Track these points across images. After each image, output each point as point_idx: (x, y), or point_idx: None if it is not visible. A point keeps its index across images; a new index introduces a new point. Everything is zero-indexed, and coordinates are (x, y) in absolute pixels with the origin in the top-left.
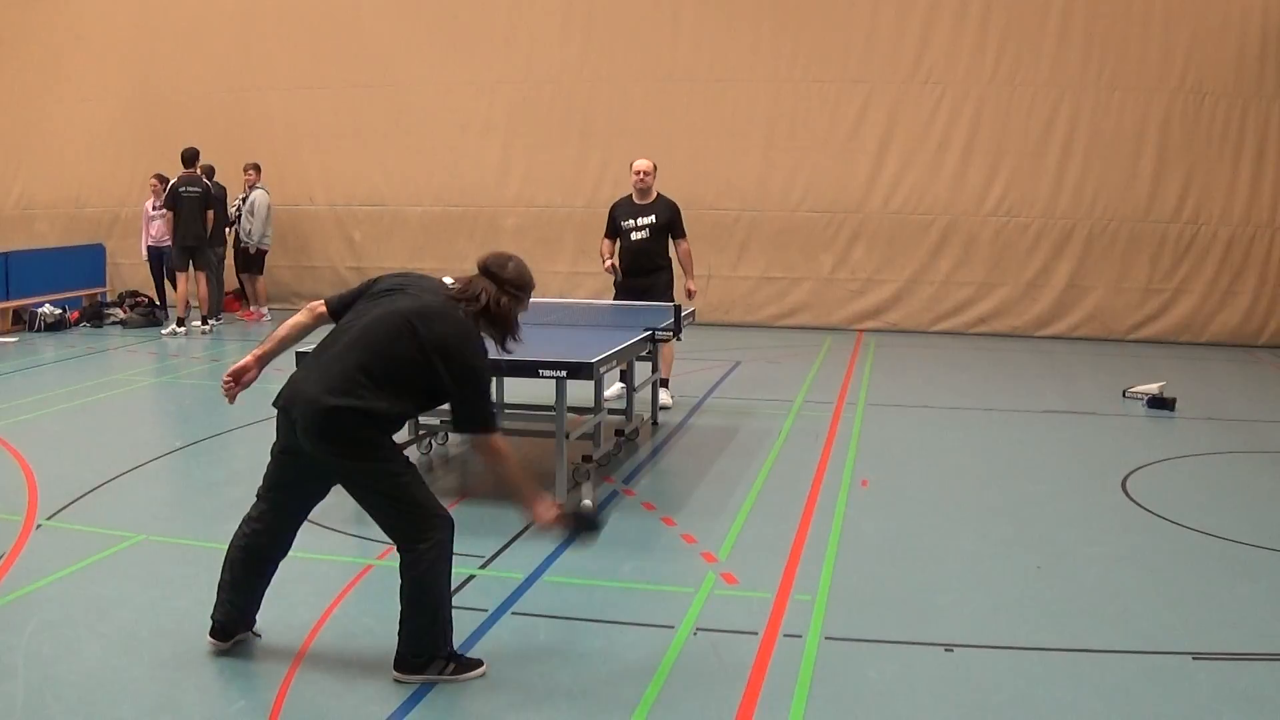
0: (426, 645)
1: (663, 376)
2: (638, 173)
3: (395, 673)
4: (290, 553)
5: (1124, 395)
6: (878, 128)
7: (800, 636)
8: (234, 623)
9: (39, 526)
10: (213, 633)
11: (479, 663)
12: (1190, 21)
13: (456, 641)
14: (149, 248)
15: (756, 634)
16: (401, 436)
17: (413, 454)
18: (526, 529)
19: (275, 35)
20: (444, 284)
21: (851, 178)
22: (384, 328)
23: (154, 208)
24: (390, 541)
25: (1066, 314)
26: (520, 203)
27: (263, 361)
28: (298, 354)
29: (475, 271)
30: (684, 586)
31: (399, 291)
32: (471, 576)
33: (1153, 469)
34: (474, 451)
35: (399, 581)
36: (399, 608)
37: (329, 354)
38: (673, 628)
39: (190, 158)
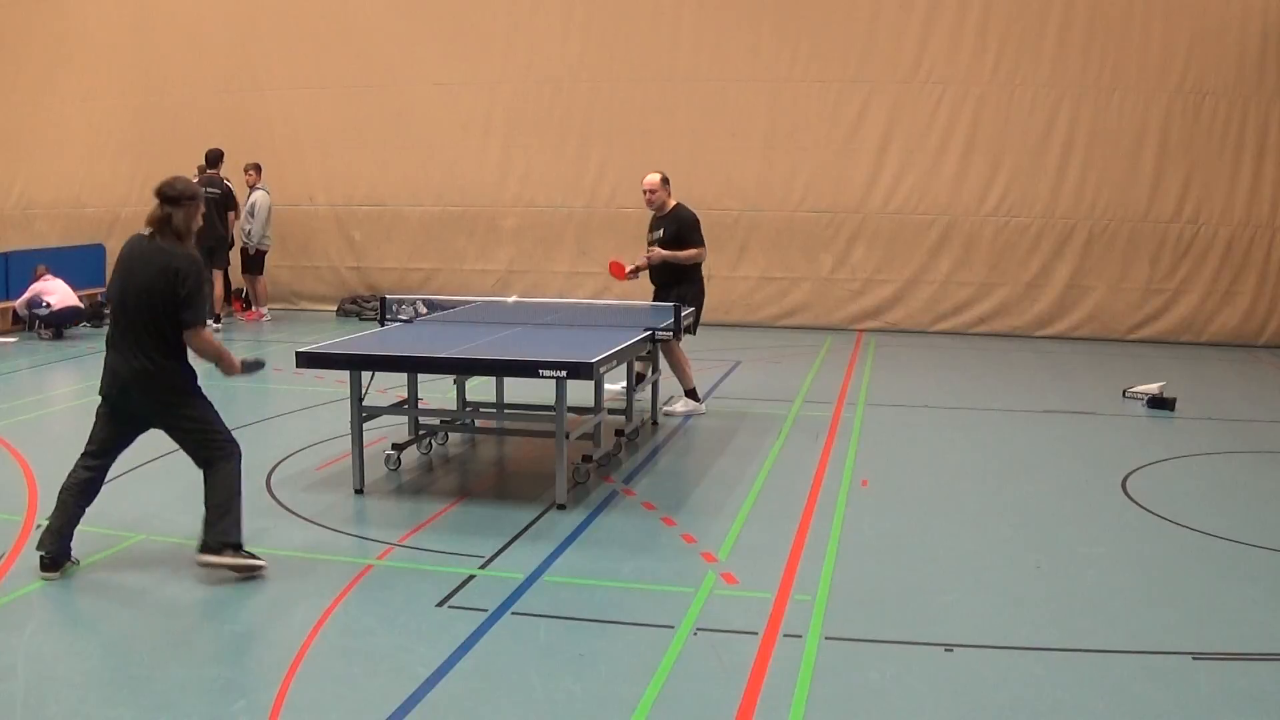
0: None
1: (687, 387)
2: (643, 190)
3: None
4: (290, 552)
5: (1124, 395)
6: (878, 128)
7: (800, 636)
8: (64, 554)
9: (39, 526)
10: (47, 567)
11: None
12: (1190, 21)
13: (455, 642)
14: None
15: (756, 634)
16: (401, 436)
17: (412, 454)
18: (526, 529)
19: (275, 35)
20: (142, 235)
21: (851, 178)
22: (147, 299)
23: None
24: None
25: (1066, 314)
26: (520, 203)
27: None
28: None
29: (158, 204)
30: (684, 586)
31: (134, 267)
32: (471, 576)
33: (1153, 469)
34: (192, 346)
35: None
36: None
37: (122, 339)
38: (673, 628)
39: (215, 159)
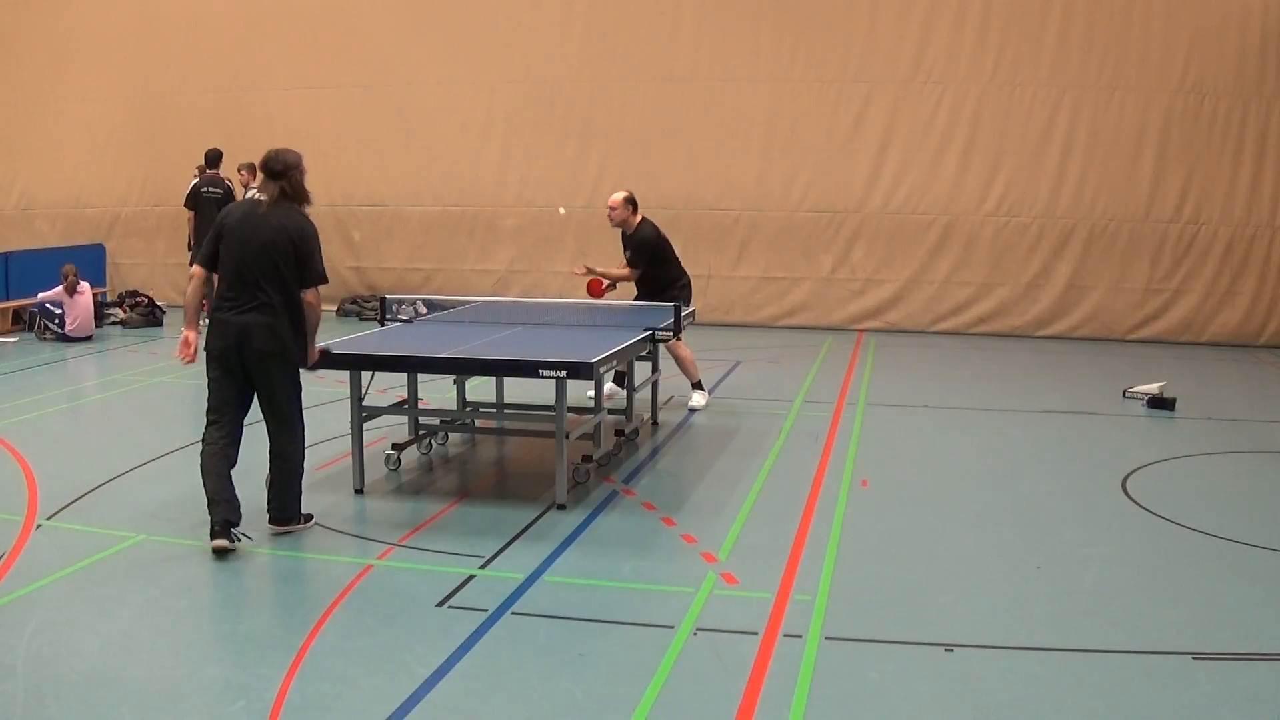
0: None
1: (694, 380)
2: (607, 208)
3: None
4: (291, 553)
5: (1124, 395)
6: (878, 128)
7: (800, 636)
8: (233, 520)
9: (39, 526)
10: (217, 535)
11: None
12: (1190, 21)
13: (455, 642)
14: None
15: (756, 634)
16: (401, 436)
17: (412, 454)
18: (526, 529)
19: (275, 35)
20: (259, 199)
21: (851, 178)
22: (268, 255)
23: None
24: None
25: (1066, 314)
26: (520, 203)
27: (195, 327)
28: (214, 302)
29: (265, 179)
30: (684, 586)
31: (248, 230)
32: (471, 576)
33: (1153, 469)
34: (306, 301)
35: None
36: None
37: (238, 297)
38: (673, 628)
39: (214, 158)
